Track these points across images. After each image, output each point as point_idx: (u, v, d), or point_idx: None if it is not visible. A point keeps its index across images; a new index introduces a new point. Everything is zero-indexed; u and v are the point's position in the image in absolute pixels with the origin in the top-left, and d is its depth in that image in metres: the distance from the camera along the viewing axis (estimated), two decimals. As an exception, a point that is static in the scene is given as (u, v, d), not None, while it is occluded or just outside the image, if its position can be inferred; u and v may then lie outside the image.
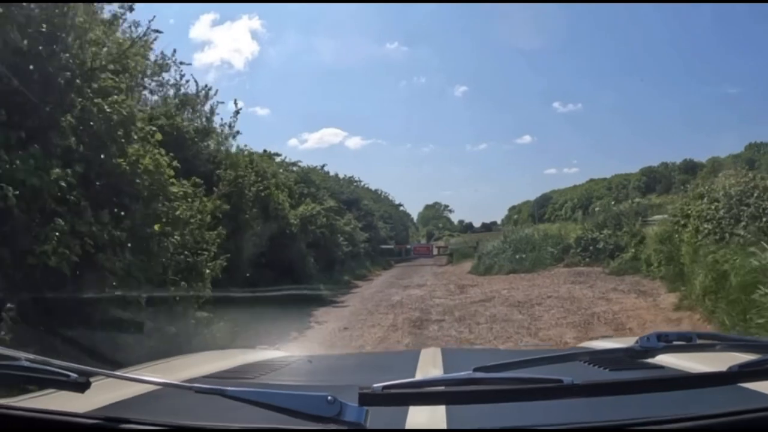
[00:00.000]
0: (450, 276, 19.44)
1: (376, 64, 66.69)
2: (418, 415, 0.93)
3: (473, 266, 20.81)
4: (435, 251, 32.19)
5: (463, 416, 0.92)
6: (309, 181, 19.40)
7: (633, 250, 15.13)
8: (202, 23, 61.98)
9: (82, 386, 0.94)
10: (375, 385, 0.85)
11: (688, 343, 0.98)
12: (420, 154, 72.62)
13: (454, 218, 69.12)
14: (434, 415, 0.93)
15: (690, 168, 40.82)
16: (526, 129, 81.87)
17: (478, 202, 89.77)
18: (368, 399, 0.82)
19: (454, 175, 79.46)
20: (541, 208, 56.31)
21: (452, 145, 78.77)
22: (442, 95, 72.06)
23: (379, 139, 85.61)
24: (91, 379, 0.96)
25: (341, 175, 28.83)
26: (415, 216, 65.47)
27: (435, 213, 70.06)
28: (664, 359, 1.17)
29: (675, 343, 0.97)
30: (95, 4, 5.87)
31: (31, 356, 1.00)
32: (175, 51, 9.58)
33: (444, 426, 0.91)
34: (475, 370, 0.88)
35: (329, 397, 0.82)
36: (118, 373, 1.14)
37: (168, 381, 1.07)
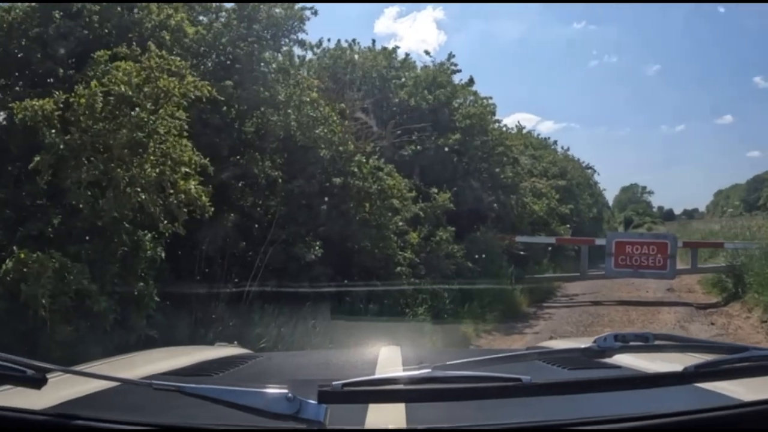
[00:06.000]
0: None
1: (564, 45, 59.69)
2: (377, 412, 0.93)
3: None
4: (677, 260, 11.43)
5: (423, 414, 0.92)
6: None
7: None
8: (387, 17, 62.35)
9: (38, 382, 0.92)
10: (335, 383, 0.86)
11: (645, 343, 1.01)
12: (615, 137, 63.63)
13: (653, 203, 58.04)
14: (394, 412, 0.93)
15: None
16: (726, 108, 65.36)
17: (677, 187, 76.23)
18: (328, 397, 0.83)
19: (650, 158, 70.34)
20: (753, 194, 46.80)
21: (648, 126, 68.35)
22: (635, 75, 63.41)
23: (572, 123, 77.46)
24: (48, 375, 0.94)
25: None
26: (610, 201, 56.90)
27: (632, 196, 59.51)
28: (622, 359, 1.18)
29: (632, 343, 0.99)
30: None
31: None
32: None
33: (404, 424, 0.91)
34: (435, 368, 0.90)
35: (289, 395, 0.82)
36: (75, 368, 1.14)
37: (126, 378, 1.06)
